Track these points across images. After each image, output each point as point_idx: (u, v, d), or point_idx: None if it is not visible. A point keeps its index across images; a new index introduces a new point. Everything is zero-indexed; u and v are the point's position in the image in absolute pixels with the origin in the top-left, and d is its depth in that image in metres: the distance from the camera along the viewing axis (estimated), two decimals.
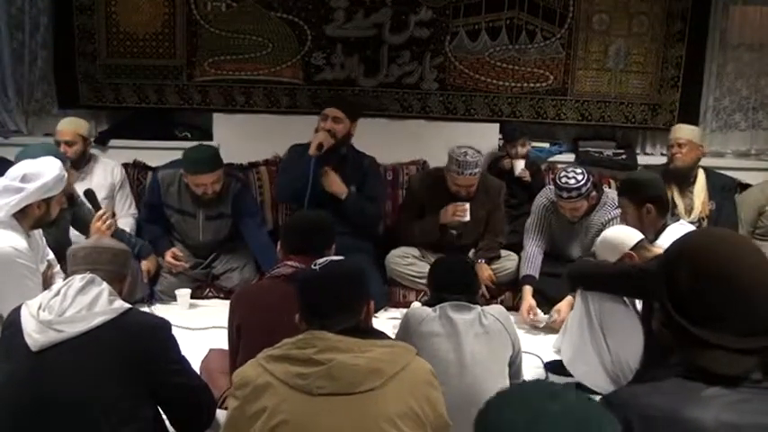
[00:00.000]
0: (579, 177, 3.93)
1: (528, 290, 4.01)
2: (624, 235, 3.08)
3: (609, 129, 5.10)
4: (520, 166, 4.61)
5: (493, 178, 4.40)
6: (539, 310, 3.92)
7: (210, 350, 3.11)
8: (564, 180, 3.94)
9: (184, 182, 4.10)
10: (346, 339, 1.90)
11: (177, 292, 4.02)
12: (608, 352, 2.93)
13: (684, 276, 1.47)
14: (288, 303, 2.17)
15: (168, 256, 4.12)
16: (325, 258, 2.11)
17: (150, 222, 4.29)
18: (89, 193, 3.77)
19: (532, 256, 4.13)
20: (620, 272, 2.92)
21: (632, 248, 3.00)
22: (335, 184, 4.08)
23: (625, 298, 2.96)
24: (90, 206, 3.74)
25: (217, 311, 3.86)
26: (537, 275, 4.08)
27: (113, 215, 4.24)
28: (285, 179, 4.31)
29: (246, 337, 2.52)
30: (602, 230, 3.97)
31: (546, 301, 3.96)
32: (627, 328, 2.91)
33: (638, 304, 3.00)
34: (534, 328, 3.86)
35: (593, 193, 4.02)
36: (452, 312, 2.64)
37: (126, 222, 4.34)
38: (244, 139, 4.87)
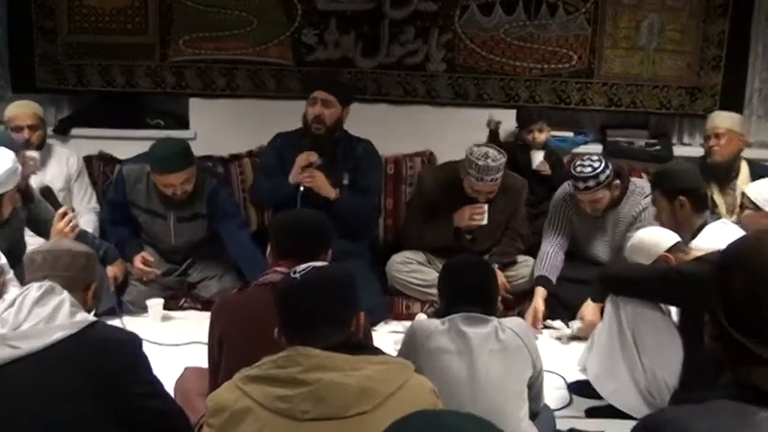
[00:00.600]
0: (596, 165, 3.93)
1: (540, 292, 3.99)
2: (659, 236, 3.07)
3: (641, 116, 5.09)
4: (538, 158, 4.59)
5: (514, 176, 4.33)
6: (561, 324, 3.91)
7: (186, 369, 3.09)
8: (579, 169, 3.94)
9: (155, 186, 4.07)
10: (335, 356, 1.87)
11: (148, 302, 4.00)
12: (641, 368, 2.92)
13: (740, 284, 1.45)
14: (274, 315, 2.15)
15: (137, 262, 4.10)
16: (305, 265, 2.08)
17: (115, 224, 4.26)
18: (45, 191, 3.75)
19: (549, 255, 4.13)
20: (658, 275, 2.90)
21: (668, 250, 2.98)
22: (324, 186, 4.09)
23: (662, 305, 2.94)
24: (48, 204, 3.71)
25: (193, 325, 3.84)
26: (554, 278, 4.07)
27: (72, 211, 4.22)
28: (265, 184, 4.30)
29: (229, 353, 2.50)
30: (632, 224, 4.01)
31: (566, 311, 3.96)
32: (664, 341, 2.90)
33: (674, 313, 2.99)
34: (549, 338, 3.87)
35: (616, 181, 4.01)
36: (464, 325, 2.61)
37: (87, 221, 4.31)
38: (224, 127, 4.86)
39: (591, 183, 3.92)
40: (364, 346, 2.00)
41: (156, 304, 4.00)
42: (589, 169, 3.92)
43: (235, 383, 1.91)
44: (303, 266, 2.05)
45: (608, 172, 3.94)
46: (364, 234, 4.37)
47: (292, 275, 2.04)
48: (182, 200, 4.06)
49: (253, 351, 2.05)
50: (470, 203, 4.14)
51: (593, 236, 4.19)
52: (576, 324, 3.83)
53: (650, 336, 2.93)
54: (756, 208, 3.32)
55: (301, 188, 4.01)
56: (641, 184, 4.12)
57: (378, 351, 2.03)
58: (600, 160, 3.96)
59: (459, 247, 4.22)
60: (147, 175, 4.08)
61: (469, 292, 2.69)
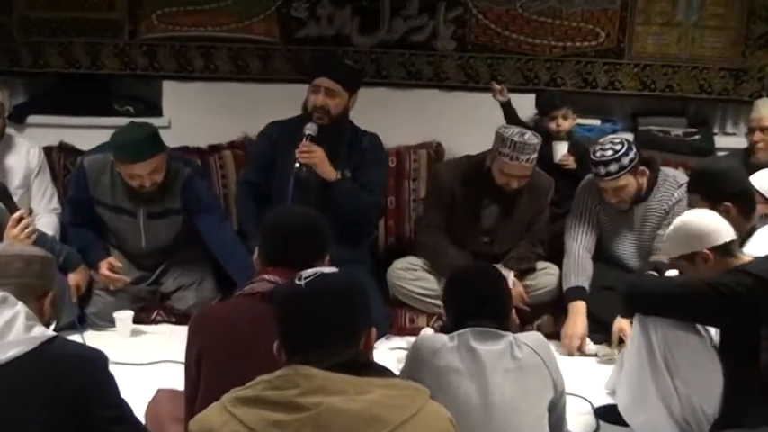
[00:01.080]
0: (617, 147, 3.93)
1: (580, 308, 3.98)
2: (712, 225, 2.92)
3: (677, 101, 5.09)
4: (561, 150, 4.60)
5: (541, 174, 4.33)
6: (589, 342, 3.92)
7: (159, 390, 3.09)
8: (599, 153, 3.94)
9: (121, 178, 4.06)
10: (338, 377, 1.88)
11: (116, 315, 4.00)
12: (676, 395, 2.91)
13: None
14: (263, 329, 2.14)
15: (103, 268, 4.10)
16: (312, 270, 2.08)
17: (77, 225, 4.24)
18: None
19: (580, 261, 4.13)
20: (691, 291, 2.89)
21: (714, 248, 2.92)
22: (324, 164, 4.06)
23: (698, 325, 2.93)
24: (1, 205, 3.72)
25: (167, 341, 3.86)
26: (587, 287, 4.08)
27: (31, 213, 4.22)
28: (242, 213, 4.36)
29: (209, 372, 2.49)
30: (663, 219, 4.03)
31: (596, 325, 3.96)
32: (701, 364, 2.89)
33: (715, 331, 2.98)
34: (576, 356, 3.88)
35: (642, 167, 4.01)
36: (476, 342, 2.61)
37: (47, 223, 4.31)
38: (202, 114, 4.86)
39: (612, 167, 3.92)
40: (373, 367, 2.00)
41: (124, 318, 4.00)
42: (610, 152, 3.92)
43: (223, 405, 1.90)
44: (310, 272, 2.05)
45: (631, 155, 3.94)
46: (364, 233, 4.37)
47: (297, 282, 2.03)
48: (151, 193, 4.05)
49: (237, 371, 2.05)
50: (495, 198, 4.17)
51: (618, 233, 4.20)
52: (602, 349, 3.84)
53: (685, 358, 2.92)
54: (765, 200, 3.33)
55: (296, 164, 3.99)
56: (673, 174, 4.13)
57: (387, 372, 2.03)
58: (622, 143, 3.96)
59: (476, 250, 4.26)
60: (112, 165, 4.05)
61: (479, 305, 2.68)
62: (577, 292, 4.04)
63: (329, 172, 4.07)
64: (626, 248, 4.20)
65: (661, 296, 3.01)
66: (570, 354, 3.89)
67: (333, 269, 2.13)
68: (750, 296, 2.74)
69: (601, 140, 4.07)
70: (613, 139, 4.04)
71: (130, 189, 4.05)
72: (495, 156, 4.08)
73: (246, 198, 4.32)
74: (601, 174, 3.95)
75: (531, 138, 4.01)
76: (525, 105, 4.88)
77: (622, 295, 3.18)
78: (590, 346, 3.93)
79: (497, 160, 4.07)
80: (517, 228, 4.27)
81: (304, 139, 4.01)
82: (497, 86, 4.63)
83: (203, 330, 2.57)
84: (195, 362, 2.53)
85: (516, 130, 4.05)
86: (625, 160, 3.92)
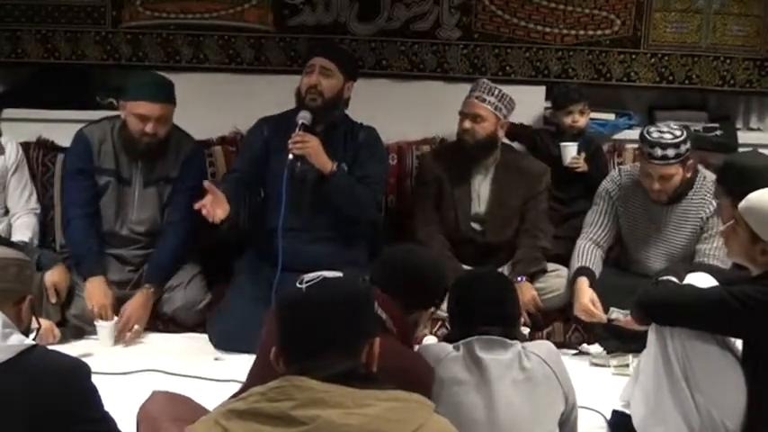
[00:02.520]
0: (677, 133, 3.95)
1: (581, 282, 4.04)
2: None
3: (698, 94, 5.10)
4: (570, 153, 4.57)
5: (535, 160, 4.47)
6: (598, 348, 3.96)
7: (154, 392, 3.11)
8: (657, 135, 3.94)
9: (119, 135, 4.21)
10: (336, 389, 1.88)
11: (97, 323, 4.02)
12: (695, 409, 2.92)
13: None
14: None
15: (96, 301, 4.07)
16: (314, 274, 2.10)
17: (75, 217, 4.23)
18: None
19: (585, 250, 4.18)
20: (711, 300, 2.90)
21: None
22: (319, 155, 4.05)
23: (721, 336, 2.94)
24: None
25: (153, 349, 3.89)
26: (597, 273, 4.11)
27: (6, 213, 4.24)
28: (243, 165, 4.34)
29: (254, 368, 2.57)
30: (699, 231, 4.07)
31: (608, 334, 3.96)
32: (722, 375, 2.89)
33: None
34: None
35: (691, 161, 4.03)
36: (482, 351, 2.63)
37: (26, 224, 4.34)
38: (191, 107, 4.80)
39: (670, 152, 3.92)
40: (374, 379, 2.01)
41: (105, 326, 4.01)
42: (669, 136, 3.92)
43: (214, 419, 1.92)
44: (311, 276, 2.07)
45: (688, 145, 3.96)
46: (362, 231, 4.37)
47: (298, 286, 2.05)
48: (151, 151, 4.16)
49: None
50: (470, 177, 4.33)
51: (643, 235, 4.21)
52: (615, 359, 3.86)
53: (704, 369, 2.91)
54: None
55: (290, 156, 4.00)
56: (712, 179, 4.04)
57: (389, 384, 2.04)
58: (682, 131, 3.97)
59: (467, 239, 4.32)
60: (112, 133, 4.23)
61: (485, 312, 2.70)
62: (579, 272, 4.10)
63: (324, 163, 4.05)
64: (650, 252, 4.21)
65: (677, 304, 3.01)
66: (592, 318, 3.94)
67: (336, 274, 2.15)
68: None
69: (658, 123, 4.07)
70: (670, 123, 4.04)
71: (132, 153, 4.19)
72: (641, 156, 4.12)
73: (232, 183, 4.22)
74: (656, 155, 3.93)
75: (492, 83, 4.29)
76: (534, 98, 4.90)
77: (636, 302, 3.19)
78: (593, 351, 3.97)
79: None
80: (509, 214, 4.33)
81: (297, 129, 4.01)
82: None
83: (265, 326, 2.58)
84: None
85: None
86: (683, 148, 3.93)
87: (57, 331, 3.82)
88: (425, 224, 4.35)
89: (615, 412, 3.31)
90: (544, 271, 4.27)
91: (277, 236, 3.96)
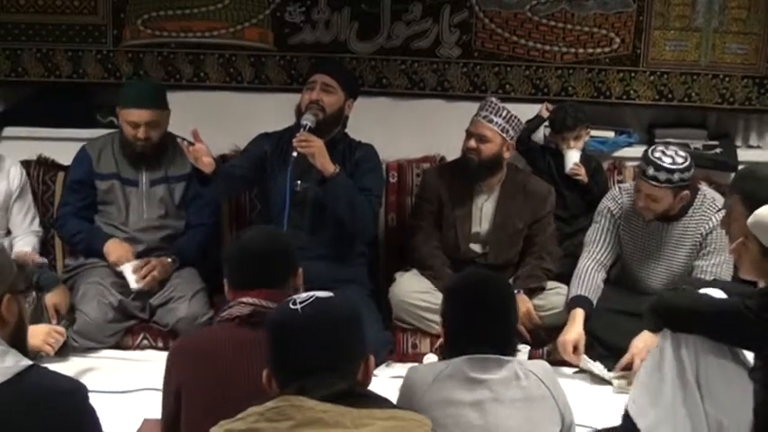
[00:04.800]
0: (679, 160, 3.94)
1: (576, 315, 4.03)
2: None
3: (697, 111, 5.10)
4: (573, 158, 4.60)
5: (541, 181, 4.45)
6: (599, 366, 3.94)
7: (145, 420, 3.12)
8: (658, 155, 3.94)
9: (119, 142, 4.36)
10: (334, 409, 1.89)
11: (122, 268, 4.22)
12: (704, 417, 2.92)
13: None
14: (248, 354, 2.19)
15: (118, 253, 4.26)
16: (307, 294, 2.11)
17: (75, 215, 4.40)
18: None
19: (588, 272, 4.17)
20: (726, 310, 2.90)
21: None
22: (322, 156, 4.04)
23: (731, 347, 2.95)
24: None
25: (152, 367, 3.84)
26: (594, 301, 4.10)
27: (8, 233, 4.27)
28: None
29: (190, 405, 2.52)
30: (698, 247, 4.07)
31: (608, 353, 3.98)
32: (735, 387, 2.90)
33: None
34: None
35: (685, 192, 4.02)
36: (476, 371, 2.60)
37: (27, 243, 4.39)
38: (191, 125, 4.81)
39: (661, 175, 3.92)
40: (371, 397, 2.02)
41: (128, 266, 4.21)
42: (669, 161, 3.92)
43: None
44: (304, 296, 2.08)
45: (686, 176, 3.95)
46: (359, 249, 4.39)
47: (292, 307, 2.05)
48: (145, 150, 4.28)
49: (219, 403, 2.06)
50: (486, 191, 4.33)
51: (643, 253, 4.22)
52: (618, 380, 3.84)
53: (717, 379, 2.91)
54: None
55: (294, 153, 4.01)
56: (712, 196, 4.10)
57: (387, 403, 2.05)
58: (686, 159, 3.96)
59: (467, 259, 4.31)
60: (113, 140, 4.41)
61: (480, 323, 2.64)
62: (576, 301, 4.08)
63: (327, 164, 4.04)
64: (650, 269, 4.21)
65: (692, 312, 3.01)
66: (572, 362, 3.95)
67: (328, 293, 2.15)
68: None
69: (669, 146, 4.06)
70: (679, 150, 4.02)
71: (133, 156, 4.33)
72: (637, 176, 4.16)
73: (231, 171, 4.27)
74: (647, 174, 3.94)
75: (500, 103, 4.26)
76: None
77: (650, 307, 3.19)
78: (587, 362, 3.96)
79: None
80: (513, 235, 4.33)
81: (301, 130, 4.03)
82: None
83: (182, 363, 2.59)
84: (174, 395, 2.55)
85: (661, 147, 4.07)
86: (676, 177, 3.92)
87: (57, 332, 3.78)
88: (426, 242, 4.36)
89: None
90: (542, 288, 4.28)
91: None
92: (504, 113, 4.24)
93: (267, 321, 2.15)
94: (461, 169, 4.36)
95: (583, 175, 4.60)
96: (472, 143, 4.25)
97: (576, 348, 3.96)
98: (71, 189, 4.45)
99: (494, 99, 4.32)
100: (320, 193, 4.13)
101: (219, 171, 4.01)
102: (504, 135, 4.24)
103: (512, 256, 4.37)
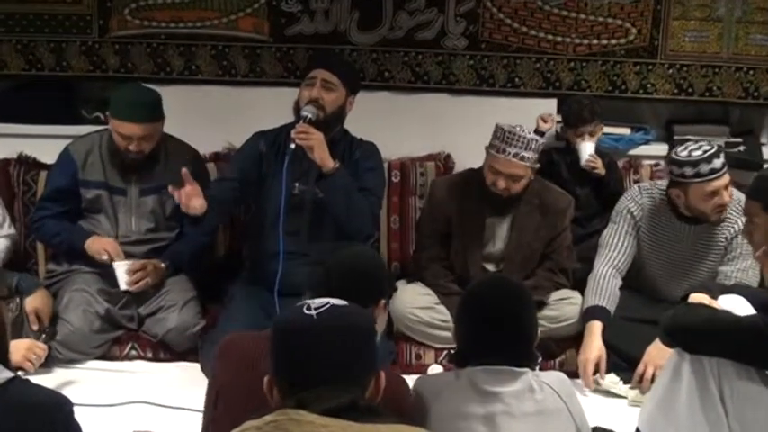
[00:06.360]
0: (707, 147, 3.95)
1: (594, 329, 4.00)
2: None
3: (719, 106, 5.11)
4: (587, 150, 4.56)
5: (559, 192, 4.36)
6: (614, 377, 3.92)
7: None
8: (695, 153, 3.92)
9: (107, 147, 4.27)
10: (335, 423, 1.88)
11: (114, 264, 4.13)
12: None
13: None
14: None
15: (102, 245, 4.18)
16: (321, 300, 2.09)
17: (53, 217, 4.31)
18: None
19: (604, 280, 4.13)
20: (745, 328, 2.88)
21: None
22: (321, 149, 4.01)
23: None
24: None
25: (140, 378, 3.90)
26: (612, 310, 4.07)
27: None
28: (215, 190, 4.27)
29: (225, 408, 2.53)
30: (724, 252, 4.08)
31: (623, 362, 3.97)
32: (760, 402, 2.88)
33: None
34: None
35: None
36: (487, 383, 2.59)
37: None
38: (183, 122, 4.82)
39: (717, 163, 3.91)
40: (375, 411, 2.00)
41: (121, 265, 4.13)
42: (699, 153, 3.92)
43: None
44: (318, 302, 2.07)
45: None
46: (358, 241, 4.37)
47: (306, 312, 2.04)
48: (140, 165, 4.24)
49: (249, 412, 2.02)
50: (499, 212, 4.23)
51: (670, 260, 4.20)
52: (632, 391, 3.83)
53: (741, 393, 2.90)
54: None
55: (291, 146, 3.98)
56: (738, 197, 4.03)
57: (392, 417, 2.03)
58: (709, 144, 3.98)
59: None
60: (99, 144, 4.30)
61: (495, 332, 2.62)
62: (594, 312, 4.06)
63: (327, 159, 4.02)
64: (672, 274, 4.20)
65: (707, 332, 2.99)
66: (587, 385, 3.91)
67: (342, 301, 2.14)
68: None
69: (678, 144, 4.09)
70: (690, 144, 4.03)
71: (121, 165, 4.25)
72: (487, 153, 4.14)
73: (224, 191, 4.24)
74: (703, 172, 3.90)
75: (524, 131, 4.06)
76: (545, 112, 4.86)
77: (665, 327, 3.17)
78: (607, 380, 3.93)
79: (487, 155, 4.14)
80: (528, 254, 4.28)
81: (301, 121, 4.01)
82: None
83: (223, 364, 2.62)
84: (216, 394, 2.58)
85: (515, 125, 4.08)
86: (723, 158, 3.94)
87: (39, 347, 3.77)
88: (433, 260, 4.33)
89: None
90: (545, 303, 4.19)
91: (272, 260, 3.98)
92: (533, 145, 4.07)
93: (276, 325, 2.13)
94: (474, 189, 4.25)
95: (600, 167, 4.58)
96: (502, 183, 4.12)
97: (597, 367, 3.92)
98: (50, 198, 4.36)
99: (517, 129, 4.06)
100: (319, 194, 4.09)
101: (211, 203, 3.96)
102: (534, 165, 4.16)
103: (527, 274, 4.30)
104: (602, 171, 4.58)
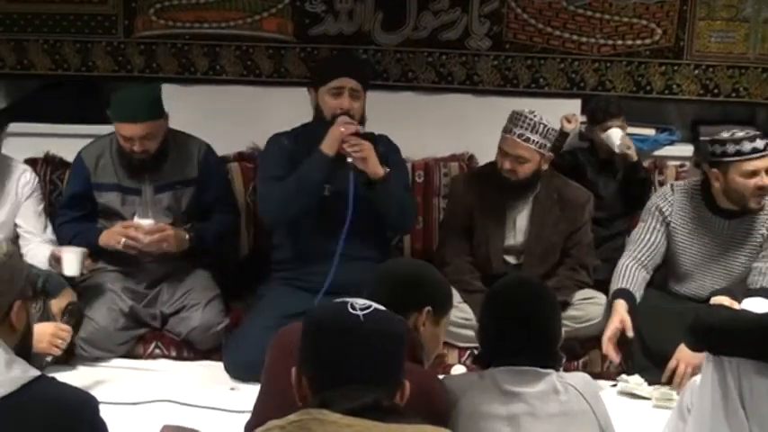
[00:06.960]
0: (749, 130, 4.00)
1: (618, 307, 4.01)
2: None
3: (745, 107, 5.11)
4: (617, 134, 4.54)
5: (578, 188, 4.39)
6: (639, 379, 3.93)
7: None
8: (738, 135, 3.97)
9: (117, 149, 4.27)
10: (359, 423, 1.88)
11: (136, 220, 4.18)
12: None
13: None
14: None
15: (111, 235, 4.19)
16: (363, 302, 2.09)
17: (71, 222, 4.34)
18: None
19: (628, 270, 4.15)
20: None
21: None
22: (373, 159, 4.00)
23: None
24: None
25: (165, 377, 3.92)
26: (637, 296, 4.08)
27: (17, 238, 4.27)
28: (282, 191, 4.12)
29: (262, 397, 2.59)
30: (761, 249, 4.08)
31: (650, 362, 3.96)
32: None
33: None
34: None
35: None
36: (511, 384, 2.59)
37: (39, 253, 4.17)
38: (206, 121, 4.86)
39: (760, 144, 3.92)
40: (399, 412, 2.00)
41: (144, 222, 4.16)
42: (742, 133, 3.96)
43: None
44: (361, 303, 2.07)
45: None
46: (402, 234, 4.46)
47: (351, 311, 2.04)
48: (151, 163, 4.23)
49: (286, 407, 2.03)
50: (517, 201, 4.29)
51: (704, 256, 4.19)
52: (657, 392, 3.83)
53: (758, 388, 2.90)
54: None
55: (349, 159, 3.97)
56: None
57: (416, 418, 2.02)
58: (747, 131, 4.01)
59: (500, 273, 4.22)
60: (110, 146, 4.30)
61: (519, 333, 2.63)
62: (618, 293, 4.08)
63: (378, 167, 4.02)
64: (707, 271, 4.19)
65: (728, 329, 2.99)
66: (603, 375, 3.97)
67: (381, 306, 2.13)
68: None
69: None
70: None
71: (133, 165, 4.25)
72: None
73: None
74: (759, 148, 3.92)
75: (535, 115, 4.12)
76: (569, 112, 4.87)
77: (689, 329, 3.18)
78: (631, 382, 3.94)
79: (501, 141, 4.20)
80: (547, 248, 4.30)
81: (342, 130, 3.99)
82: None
83: (272, 355, 2.65)
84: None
85: (529, 110, 4.15)
86: (765, 140, 3.95)
87: (63, 329, 3.70)
88: (456, 256, 4.35)
89: None
90: (569, 303, 4.18)
91: (312, 260, 4.07)
92: (540, 129, 4.11)
93: (317, 320, 2.12)
94: (493, 179, 4.29)
95: (633, 152, 4.56)
96: (508, 165, 4.18)
97: (625, 327, 3.95)
98: (67, 205, 4.38)
99: (526, 112, 4.15)
100: (362, 194, 4.03)
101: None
102: (542, 151, 4.17)
103: (547, 268, 4.32)
104: (634, 156, 4.57)
